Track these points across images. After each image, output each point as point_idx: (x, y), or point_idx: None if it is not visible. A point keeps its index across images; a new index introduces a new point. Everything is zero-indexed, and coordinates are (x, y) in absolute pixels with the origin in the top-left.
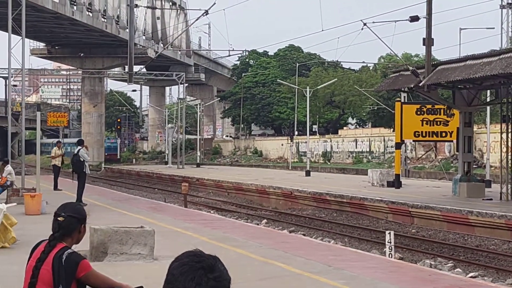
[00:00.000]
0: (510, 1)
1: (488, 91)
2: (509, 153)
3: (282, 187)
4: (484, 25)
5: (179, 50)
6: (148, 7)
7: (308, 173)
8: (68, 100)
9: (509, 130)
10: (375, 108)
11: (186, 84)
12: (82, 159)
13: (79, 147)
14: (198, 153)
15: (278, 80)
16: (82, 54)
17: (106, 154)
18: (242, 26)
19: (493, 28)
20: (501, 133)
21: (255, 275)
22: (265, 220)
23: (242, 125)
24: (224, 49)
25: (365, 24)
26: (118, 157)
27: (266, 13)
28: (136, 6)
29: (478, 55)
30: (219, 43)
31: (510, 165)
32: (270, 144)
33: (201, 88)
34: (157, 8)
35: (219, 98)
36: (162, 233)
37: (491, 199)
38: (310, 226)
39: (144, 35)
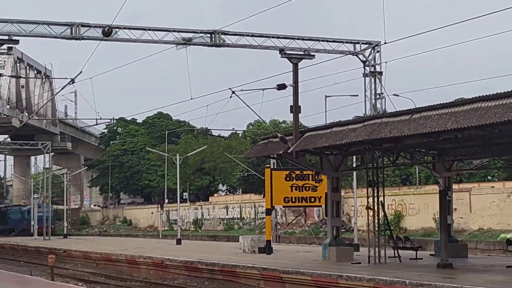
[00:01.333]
0: (372, 70)
1: (354, 156)
2: (376, 217)
3: (153, 256)
4: (349, 92)
5: (45, 119)
6: (12, 76)
7: (179, 241)
8: None
9: (375, 195)
10: (245, 175)
11: (52, 153)
12: None
13: None
14: (65, 224)
15: (147, 147)
16: None
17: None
18: (110, 94)
19: (357, 95)
20: (367, 197)
21: None
22: None
23: (110, 194)
24: (91, 118)
25: (233, 92)
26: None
27: (134, 81)
28: (0, 75)
29: (344, 122)
30: (86, 111)
31: (377, 228)
32: (140, 212)
33: (68, 157)
34: (21, 77)
35: (86, 167)
36: None
37: (359, 263)
38: None
39: (8, 104)
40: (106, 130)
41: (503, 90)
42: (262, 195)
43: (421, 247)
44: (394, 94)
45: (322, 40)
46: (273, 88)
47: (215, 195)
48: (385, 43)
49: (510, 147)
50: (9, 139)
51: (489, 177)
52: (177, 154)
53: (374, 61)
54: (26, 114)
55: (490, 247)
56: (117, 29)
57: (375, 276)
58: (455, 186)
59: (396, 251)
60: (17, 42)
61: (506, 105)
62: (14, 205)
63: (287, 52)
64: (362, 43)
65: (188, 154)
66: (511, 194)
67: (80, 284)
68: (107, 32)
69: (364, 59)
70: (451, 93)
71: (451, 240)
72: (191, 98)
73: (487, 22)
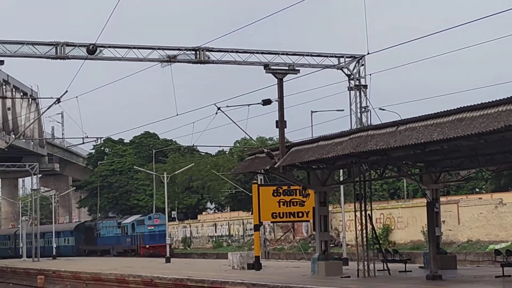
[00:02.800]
0: (357, 83)
1: (341, 170)
2: (364, 231)
3: (142, 275)
4: (334, 106)
5: (32, 140)
6: None
7: (168, 260)
8: None
9: (363, 209)
10: (233, 192)
11: (40, 175)
12: None
13: None
14: (54, 245)
15: (135, 167)
16: None
17: (146, 245)
18: (96, 113)
19: (343, 110)
20: (355, 211)
21: None
22: None
23: (99, 214)
24: (78, 137)
25: (219, 108)
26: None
27: (120, 100)
28: None
29: (330, 136)
30: (73, 131)
31: (365, 242)
32: None
33: (56, 178)
34: (7, 97)
35: (74, 188)
36: None
37: (349, 277)
38: None
39: None
40: (93, 151)
41: (488, 100)
42: (250, 212)
43: (410, 259)
44: (380, 108)
45: (307, 55)
46: (259, 103)
47: (204, 213)
48: (368, 53)
49: (496, 158)
50: None
51: (477, 189)
52: (165, 173)
53: (359, 75)
54: (13, 135)
55: (479, 258)
56: (101, 48)
57: None
58: (443, 199)
59: (385, 264)
60: (2, 62)
61: (491, 114)
62: (108, 217)
63: (272, 67)
64: (347, 57)
65: (176, 172)
66: (498, 205)
67: None
68: (92, 51)
69: (349, 72)
70: (436, 104)
71: (440, 252)
72: (177, 114)
73: (473, 28)
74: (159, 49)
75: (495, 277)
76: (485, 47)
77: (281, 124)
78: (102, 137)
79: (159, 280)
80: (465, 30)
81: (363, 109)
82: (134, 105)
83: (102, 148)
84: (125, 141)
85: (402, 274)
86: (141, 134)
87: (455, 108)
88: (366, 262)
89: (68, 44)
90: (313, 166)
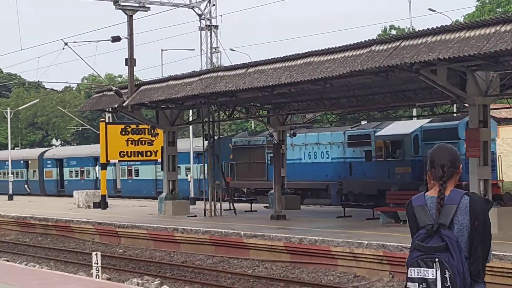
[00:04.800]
0: (208, 24)
1: (191, 110)
2: (212, 171)
3: None
4: (185, 46)
5: None
6: None
7: (11, 197)
8: None
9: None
10: (80, 129)
11: None
12: None
13: None
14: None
15: None
16: None
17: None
18: None
19: (194, 49)
20: (204, 151)
21: None
22: None
23: None
24: None
25: (66, 44)
26: None
27: None
28: None
29: (180, 76)
30: None
31: (213, 182)
32: None
33: None
34: None
35: None
36: None
37: (195, 216)
38: (14, 252)
39: None
40: None
41: (336, 45)
42: None
43: (257, 199)
44: (230, 49)
45: None
46: (108, 40)
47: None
48: None
49: (341, 101)
50: None
51: None
52: (8, 108)
53: (210, 15)
54: None
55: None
56: None
57: (210, 229)
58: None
59: (231, 204)
60: None
61: (337, 59)
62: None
63: (121, 3)
64: None
65: (20, 108)
66: None
67: None
68: None
69: (200, 12)
70: (288, 47)
71: (284, 193)
72: (22, 49)
73: None
74: None
75: (336, 217)
76: None
77: (130, 62)
78: None
79: (1, 218)
80: None
81: (214, 50)
82: None
83: None
84: None
85: (247, 214)
86: None
87: (304, 52)
88: (213, 202)
89: None
90: (162, 106)
